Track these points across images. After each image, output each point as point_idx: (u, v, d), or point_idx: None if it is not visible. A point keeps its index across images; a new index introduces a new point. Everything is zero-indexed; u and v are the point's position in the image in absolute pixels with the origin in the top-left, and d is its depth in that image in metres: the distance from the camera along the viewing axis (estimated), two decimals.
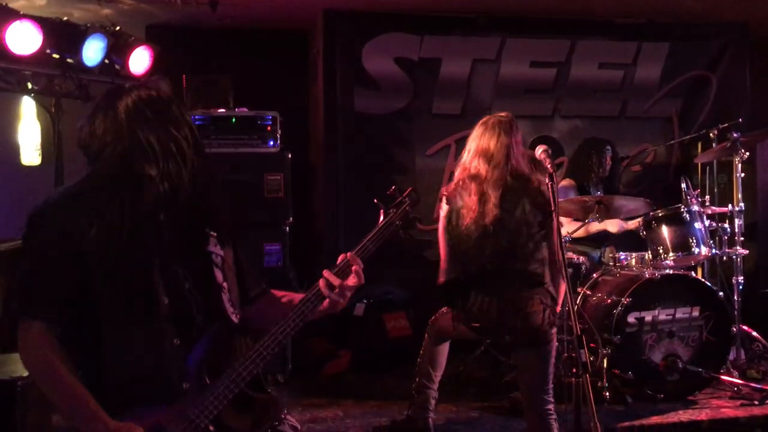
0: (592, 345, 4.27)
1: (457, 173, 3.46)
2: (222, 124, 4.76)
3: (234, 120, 4.77)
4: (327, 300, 1.96)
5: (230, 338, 1.94)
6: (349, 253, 1.99)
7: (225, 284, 1.99)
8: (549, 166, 2.80)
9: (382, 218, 2.12)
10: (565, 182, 5.38)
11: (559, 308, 3.40)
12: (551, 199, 2.68)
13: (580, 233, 5.01)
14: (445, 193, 3.42)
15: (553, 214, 2.63)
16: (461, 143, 6.02)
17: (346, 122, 5.89)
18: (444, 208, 3.41)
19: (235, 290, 2.04)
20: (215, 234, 2.01)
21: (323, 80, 5.87)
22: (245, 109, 4.91)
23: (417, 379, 3.69)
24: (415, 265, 6.05)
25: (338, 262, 1.99)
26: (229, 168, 4.68)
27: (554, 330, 3.25)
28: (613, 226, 5.04)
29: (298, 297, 2.06)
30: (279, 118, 4.89)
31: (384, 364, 5.22)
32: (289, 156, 4.87)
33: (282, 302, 2.14)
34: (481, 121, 3.50)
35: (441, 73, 6.03)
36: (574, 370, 2.29)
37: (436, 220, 5.97)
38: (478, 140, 3.40)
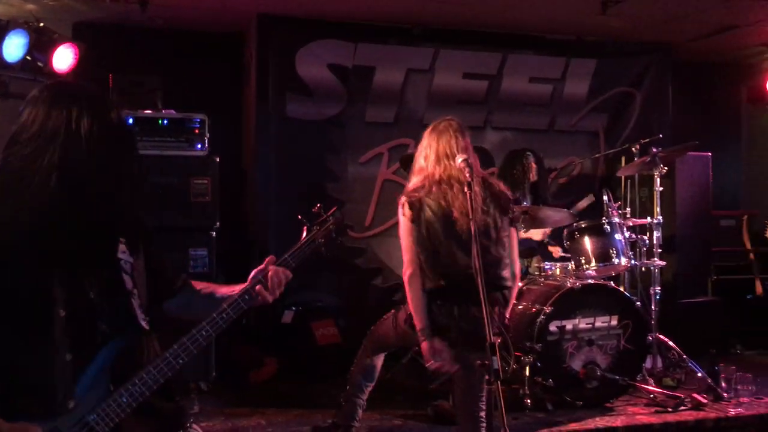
0: (517, 354, 4.35)
1: (417, 180, 3.35)
2: (148, 125, 4.65)
3: (161, 122, 4.67)
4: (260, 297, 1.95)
5: (139, 345, 1.89)
6: (272, 267, 1.98)
7: (135, 290, 1.94)
8: (468, 175, 2.83)
9: (305, 235, 2.12)
10: None
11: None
12: (469, 209, 2.70)
13: None
14: (407, 199, 3.27)
15: (471, 223, 2.65)
16: (394, 151, 6.12)
17: (278, 127, 5.86)
18: (407, 213, 3.25)
19: (145, 296, 1.99)
20: (124, 240, 1.94)
21: (256, 85, 5.82)
22: (173, 111, 4.81)
23: (347, 388, 3.67)
24: (346, 273, 6.06)
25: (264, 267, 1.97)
26: (155, 171, 4.57)
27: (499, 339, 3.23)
28: (536, 234, 5.15)
29: (218, 288, 2.05)
30: (207, 122, 4.81)
31: (312, 371, 5.19)
32: (217, 160, 4.79)
33: (202, 294, 2.11)
34: (431, 128, 3.41)
35: (375, 81, 6.07)
36: (487, 378, 2.30)
37: (368, 228, 6.12)
38: (436, 144, 3.31)
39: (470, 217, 2.67)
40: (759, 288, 6.48)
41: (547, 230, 5.18)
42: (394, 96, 6.14)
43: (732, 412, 4.19)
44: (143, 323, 1.93)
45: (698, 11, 5.77)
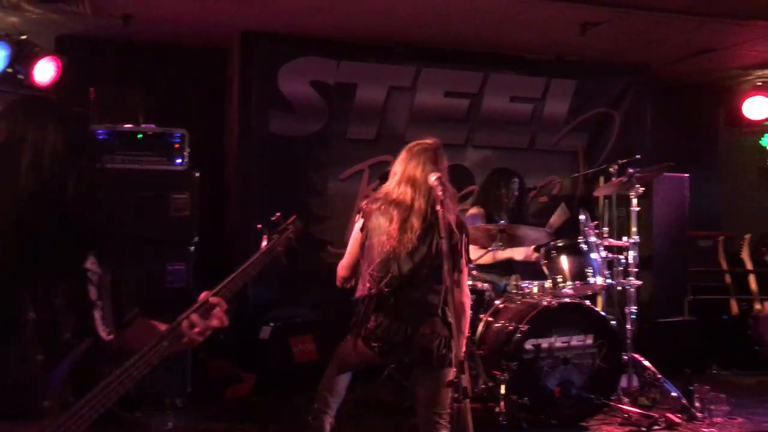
0: (495, 372, 4.36)
1: (380, 192, 3.46)
2: (127, 139, 4.66)
3: (140, 136, 4.68)
4: (186, 338, 1.91)
5: (100, 357, 1.90)
6: (209, 297, 1.94)
7: (99, 302, 1.95)
8: (440, 193, 2.87)
9: (264, 243, 2.13)
10: (474, 210, 5.50)
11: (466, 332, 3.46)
12: (440, 226, 2.73)
13: (487, 259, 5.14)
14: (363, 206, 3.40)
15: (442, 241, 2.68)
16: (375, 168, 6.15)
17: (260, 143, 5.88)
18: (359, 221, 3.41)
19: (110, 309, 1.99)
20: (94, 251, 1.96)
21: (238, 101, 5.85)
22: (153, 126, 4.82)
23: (315, 405, 3.67)
24: (325, 289, 6.03)
25: (200, 299, 1.94)
26: (133, 185, 4.58)
27: (451, 355, 3.27)
28: (519, 253, 5.18)
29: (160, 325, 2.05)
30: (188, 136, 4.82)
31: (289, 388, 5.17)
32: (197, 175, 4.80)
33: (154, 329, 2.10)
34: (407, 147, 3.47)
35: (357, 98, 6.11)
36: (456, 396, 2.32)
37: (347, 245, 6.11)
38: (405, 166, 3.38)
39: (442, 236, 2.70)
40: (735, 308, 6.55)
41: (530, 249, 5.20)
42: (376, 113, 6.19)
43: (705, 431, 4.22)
44: (104, 335, 1.94)
45: (676, 34, 5.87)
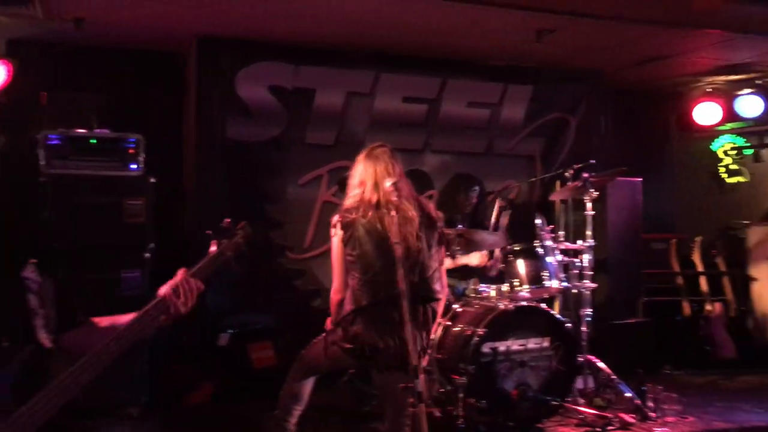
0: (454, 376, 4.39)
1: (351, 202, 3.43)
2: (81, 144, 4.58)
3: (94, 141, 4.60)
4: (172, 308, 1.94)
5: (41, 364, 1.88)
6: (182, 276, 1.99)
7: (41, 310, 1.93)
8: (395, 199, 2.88)
9: (213, 248, 2.15)
10: None
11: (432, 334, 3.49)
12: (393, 232, 2.75)
13: (448, 264, 5.18)
14: (341, 219, 3.38)
15: (395, 246, 2.70)
16: (334, 173, 6.15)
17: (218, 149, 5.83)
18: (338, 233, 3.36)
19: (53, 317, 1.97)
20: (35, 261, 1.94)
21: (195, 106, 5.80)
22: (107, 131, 4.75)
23: (276, 412, 3.65)
24: (285, 295, 6.03)
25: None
26: (87, 191, 4.50)
27: (425, 360, 3.27)
28: (474, 259, 5.23)
29: (121, 317, 2.04)
30: (143, 142, 4.76)
31: (248, 395, 5.13)
32: (153, 180, 4.74)
33: (100, 327, 2.09)
34: (366, 152, 3.50)
35: (315, 103, 6.10)
36: (411, 400, 2.33)
37: (307, 249, 6.11)
38: (374, 170, 3.40)
39: (398, 240, 2.71)
40: (687, 309, 6.70)
41: (485, 256, 5.25)
42: (335, 118, 6.19)
43: (658, 431, 4.30)
44: (46, 341, 1.92)
45: (629, 41, 6.00)
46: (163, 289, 2.00)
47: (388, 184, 3.02)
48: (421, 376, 2.42)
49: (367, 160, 3.47)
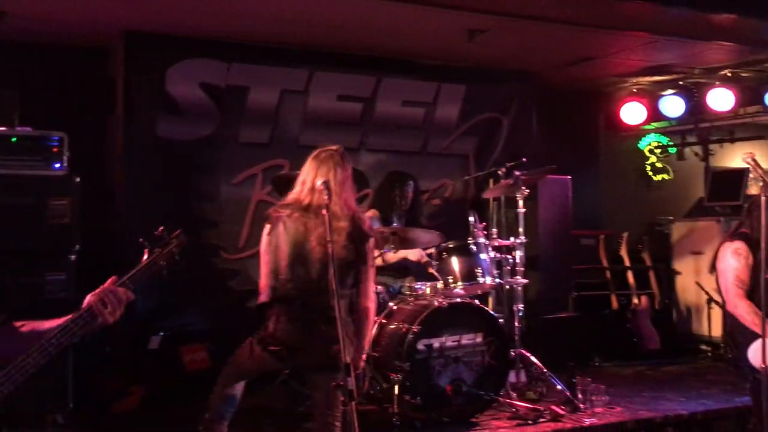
0: (390, 374, 4.40)
1: (287, 200, 3.47)
2: (1, 143, 4.38)
3: (15, 139, 4.42)
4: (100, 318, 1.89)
5: None
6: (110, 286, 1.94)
7: None
8: (326, 197, 2.88)
9: (145, 257, 2.10)
10: (370, 213, 5.54)
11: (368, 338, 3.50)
12: (328, 230, 2.74)
13: (378, 262, 5.19)
14: (271, 213, 3.40)
15: (328, 245, 2.69)
16: (268, 172, 6.09)
17: (147, 147, 5.69)
18: (267, 228, 3.40)
19: None
20: None
21: (123, 103, 5.65)
22: (29, 129, 4.57)
23: (207, 416, 3.58)
24: (219, 296, 5.94)
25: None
26: (8, 191, 4.32)
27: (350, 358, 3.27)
28: (413, 254, 5.26)
29: (43, 323, 1.98)
30: (67, 140, 4.60)
31: (180, 399, 5.02)
32: (78, 180, 4.58)
33: (21, 332, 2.02)
34: (314, 154, 3.51)
35: (249, 101, 6.02)
36: (342, 399, 2.33)
37: (242, 249, 6.03)
38: (315, 173, 3.40)
39: (327, 241, 2.71)
40: (615, 303, 6.91)
41: (423, 252, 5.28)
42: (269, 117, 6.12)
43: (587, 422, 4.42)
44: None
45: (558, 42, 6.14)
46: (90, 298, 1.94)
47: (319, 182, 3.01)
48: (353, 375, 2.42)
49: (312, 161, 3.50)
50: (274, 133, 6.16)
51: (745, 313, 3.62)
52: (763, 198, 3.42)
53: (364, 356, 3.40)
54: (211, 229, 5.92)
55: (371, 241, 3.41)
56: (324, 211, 2.82)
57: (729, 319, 3.80)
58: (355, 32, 5.76)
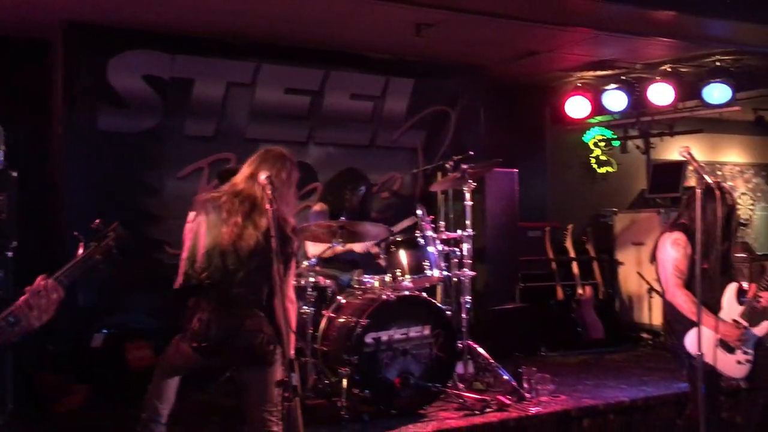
0: (339, 367, 4.40)
1: (221, 189, 3.45)
2: None
3: None
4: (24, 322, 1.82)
5: None
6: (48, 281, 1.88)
7: None
8: (269, 192, 2.86)
9: (81, 251, 2.04)
10: (318, 207, 5.52)
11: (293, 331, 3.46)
12: (270, 225, 2.72)
13: (328, 254, 5.18)
14: (198, 200, 3.35)
15: (272, 240, 2.67)
16: (215, 166, 6.01)
17: (88, 140, 5.56)
18: (190, 216, 3.36)
19: None
20: None
21: (63, 95, 5.49)
22: None
23: (143, 414, 3.53)
24: (164, 292, 5.81)
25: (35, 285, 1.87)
26: None
27: (278, 351, 3.24)
28: (358, 246, 5.26)
29: None
30: (3, 133, 4.45)
31: (125, 397, 4.92)
32: (15, 174, 4.44)
33: None
34: (264, 150, 3.49)
35: (194, 93, 5.93)
36: (286, 395, 2.32)
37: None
38: (257, 165, 3.38)
39: (272, 235, 2.69)
40: (560, 293, 7.05)
41: (368, 243, 5.29)
42: (215, 109, 6.04)
43: (532, 411, 4.49)
44: None
45: (504, 37, 6.21)
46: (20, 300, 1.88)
47: (263, 176, 2.98)
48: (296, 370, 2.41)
49: (258, 156, 3.47)
50: (221, 126, 6.08)
51: (683, 302, 3.73)
52: (698, 190, 3.53)
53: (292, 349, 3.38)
54: (155, 224, 5.81)
55: (295, 237, 3.40)
56: (267, 206, 2.79)
57: (668, 308, 3.91)
58: (302, 25, 5.71)
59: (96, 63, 5.53)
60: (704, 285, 3.57)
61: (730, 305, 3.78)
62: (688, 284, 3.74)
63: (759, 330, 3.74)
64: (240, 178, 3.38)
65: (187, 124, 5.94)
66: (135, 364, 5.04)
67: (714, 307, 3.73)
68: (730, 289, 3.79)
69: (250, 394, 3.14)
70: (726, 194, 3.75)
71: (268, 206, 2.78)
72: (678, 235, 3.83)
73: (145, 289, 5.69)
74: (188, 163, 5.95)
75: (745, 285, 3.91)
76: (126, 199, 5.67)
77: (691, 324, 3.61)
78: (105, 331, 5.14)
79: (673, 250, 3.82)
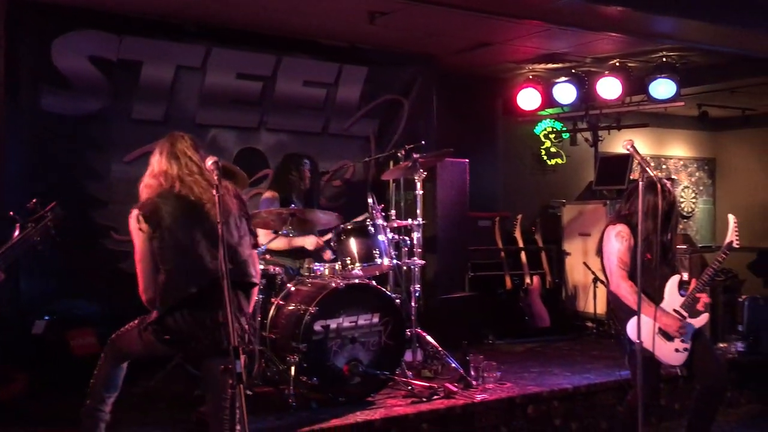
0: (287, 355, 4.39)
1: (150, 185, 3.30)
2: None
3: None
4: None
5: None
6: None
7: None
8: (216, 177, 2.82)
9: (17, 233, 1.98)
10: (269, 194, 5.48)
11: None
12: (217, 211, 2.69)
13: (282, 245, 5.15)
14: (140, 211, 3.20)
15: (219, 226, 2.64)
16: None
17: (30, 122, 5.40)
18: (144, 228, 3.17)
19: None
20: None
21: (4, 75, 5.30)
22: None
23: (87, 402, 3.46)
24: (109, 278, 5.71)
25: None
26: None
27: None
28: (309, 243, 5.24)
29: None
30: None
31: (67, 385, 4.82)
32: None
33: None
34: (167, 138, 3.37)
35: (142, 76, 5.80)
36: (231, 382, 2.30)
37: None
38: (170, 147, 3.30)
39: (219, 221, 2.66)
40: (508, 283, 7.15)
41: (321, 241, 5.27)
42: (164, 93, 5.92)
43: (478, 398, 4.56)
44: None
45: (457, 27, 6.24)
46: None
47: (209, 162, 2.93)
48: (242, 358, 2.40)
49: (163, 141, 3.35)
50: (170, 110, 5.97)
51: (627, 293, 3.82)
52: (640, 183, 3.61)
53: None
54: (100, 208, 5.68)
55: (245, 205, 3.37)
56: (215, 191, 2.75)
57: (612, 296, 4.00)
58: (254, 9, 5.64)
59: (40, 43, 5.36)
60: (646, 275, 3.67)
61: (671, 296, 3.89)
62: (631, 275, 3.83)
63: (697, 321, 3.86)
64: (164, 163, 3.26)
65: (134, 107, 5.81)
66: (79, 352, 4.93)
67: (656, 297, 3.83)
68: (672, 281, 3.90)
69: (212, 383, 3.08)
70: (666, 187, 3.85)
71: (214, 192, 2.74)
72: (621, 228, 3.91)
73: (89, 275, 5.57)
74: (136, 147, 5.79)
75: (686, 276, 4.03)
76: (70, 182, 5.53)
77: (633, 312, 3.70)
78: (47, 317, 5.02)
79: (617, 242, 3.90)
